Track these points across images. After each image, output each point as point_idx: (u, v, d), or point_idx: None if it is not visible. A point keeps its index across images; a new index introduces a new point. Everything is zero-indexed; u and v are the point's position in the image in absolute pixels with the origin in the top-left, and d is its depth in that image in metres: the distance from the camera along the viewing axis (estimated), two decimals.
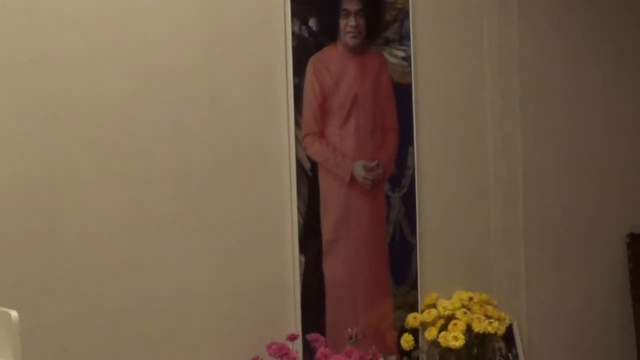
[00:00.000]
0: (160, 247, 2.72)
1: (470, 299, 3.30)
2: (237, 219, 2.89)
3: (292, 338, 2.90)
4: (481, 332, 3.18)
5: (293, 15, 2.98)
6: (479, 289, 3.40)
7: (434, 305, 3.29)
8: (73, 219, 2.55)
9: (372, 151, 3.21)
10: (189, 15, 2.79)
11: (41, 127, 2.49)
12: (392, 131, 3.26)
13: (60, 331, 2.52)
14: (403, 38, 3.29)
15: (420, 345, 3.28)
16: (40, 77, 2.49)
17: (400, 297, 3.29)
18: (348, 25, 3.14)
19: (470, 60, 3.53)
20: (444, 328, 3.20)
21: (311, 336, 2.94)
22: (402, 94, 3.29)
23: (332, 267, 3.11)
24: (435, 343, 3.20)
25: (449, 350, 3.17)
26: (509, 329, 3.43)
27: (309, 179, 3.04)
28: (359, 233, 3.18)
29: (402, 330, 3.27)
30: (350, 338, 3.03)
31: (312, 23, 3.04)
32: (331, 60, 3.10)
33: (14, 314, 1.97)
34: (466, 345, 3.16)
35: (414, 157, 3.31)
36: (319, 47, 3.06)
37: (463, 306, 3.26)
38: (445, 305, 3.25)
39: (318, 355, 2.87)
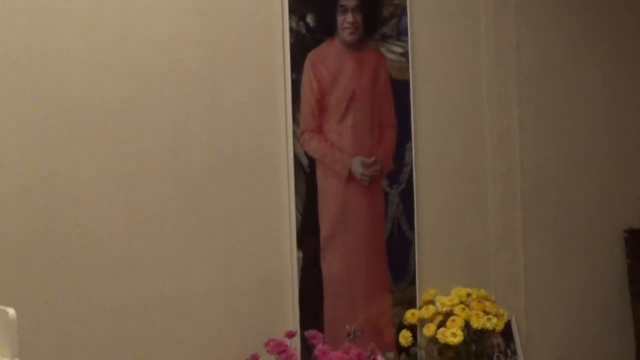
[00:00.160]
0: (158, 246, 2.72)
1: (469, 295, 3.29)
2: (235, 215, 2.88)
3: (290, 335, 2.89)
4: (479, 328, 3.17)
5: (290, 11, 2.98)
6: (477, 285, 3.40)
7: (432, 302, 3.29)
8: (72, 219, 2.54)
9: (370, 147, 3.21)
10: (187, 12, 2.78)
11: (40, 126, 2.49)
12: (390, 127, 3.26)
13: (59, 330, 2.51)
14: (401, 34, 3.28)
15: (418, 341, 3.28)
16: (40, 77, 2.49)
17: (399, 293, 3.29)
18: (345, 21, 3.14)
19: (468, 56, 3.53)
20: (442, 324, 3.20)
21: (309, 333, 2.94)
22: (400, 90, 3.28)
23: (330, 264, 3.10)
24: (433, 339, 3.20)
25: (447, 346, 3.17)
26: (508, 325, 3.44)
27: (306, 175, 3.04)
28: (357, 229, 3.18)
29: (401, 326, 3.26)
30: (349, 335, 3.03)
31: (309, 19, 3.03)
32: (329, 56, 3.09)
33: (11, 311, 1.97)
34: (464, 342, 3.16)
35: (412, 153, 3.31)
36: (316, 43, 3.06)
37: (461, 302, 3.25)
38: (444, 302, 3.25)
39: (316, 352, 2.87)
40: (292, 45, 2.98)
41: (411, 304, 3.31)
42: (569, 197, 3.83)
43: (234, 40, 2.88)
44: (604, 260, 3.98)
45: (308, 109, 3.04)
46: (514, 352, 3.53)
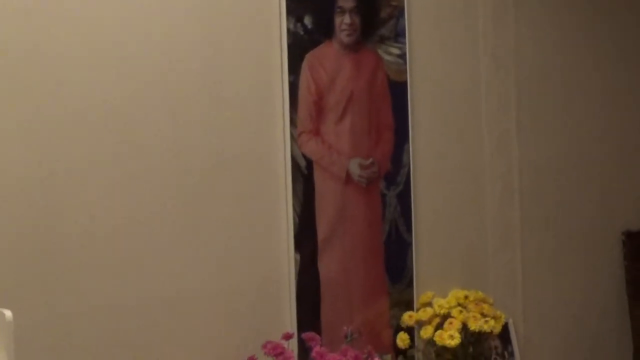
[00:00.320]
0: (156, 248, 2.71)
1: (466, 297, 3.29)
2: (233, 217, 2.88)
3: (288, 337, 2.89)
4: (477, 330, 3.17)
5: (288, 12, 2.97)
6: (475, 287, 3.39)
7: (429, 304, 3.28)
8: (71, 219, 2.54)
9: (367, 149, 3.20)
10: (186, 14, 2.78)
11: (39, 126, 2.48)
12: (388, 129, 3.26)
13: (56, 331, 2.51)
14: (398, 35, 3.28)
15: (416, 343, 3.28)
16: (39, 77, 2.48)
17: (396, 295, 3.28)
18: (343, 22, 3.13)
19: (466, 58, 3.52)
20: (439, 326, 3.19)
21: (306, 335, 2.93)
22: (398, 92, 3.28)
23: (328, 266, 3.10)
24: (431, 342, 3.19)
25: (444, 348, 3.16)
26: (505, 327, 3.43)
27: (304, 177, 3.03)
28: (355, 231, 3.17)
29: (398, 328, 3.26)
30: (346, 337, 3.02)
31: (307, 20, 3.03)
32: (326, 57, 3.09)
33: (8, 313, 1.96)
34: (462, 344, 3.15)
35: (409, 154, 3.31)
36: (314, 44, 3.05)
37: (459, 304, 3.25)
38: (441, 304, 3.24)
39: (313, 354, 2.86)
40: (289, 46, 2.98)
41: (409, 306, 3.30)
42: (567, 199, 3.83)
43: (232, 42, 2.88)
44: (602, 262, 3.98)
45: (305, 110, 3.03)
46: (512, 355, 3.53)
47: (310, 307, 3.05)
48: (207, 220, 2.82)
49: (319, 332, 3.00)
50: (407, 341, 3.22)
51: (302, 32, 3.02)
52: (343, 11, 3.13)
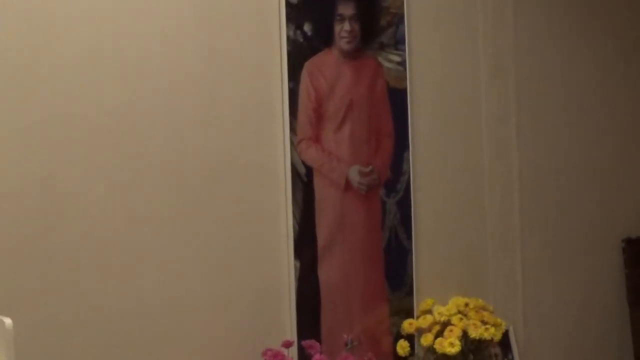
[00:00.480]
0: (155, 254, 2.71)
1: (466, 304, 3.29)
2: (232, 224, 2.88)
3: (288, 344, 2.88)
4: (477, 338, 3.17)
5: (288, 20, 2.98)
6: (475, 295, 3.39)
7: (429, 311, 3.28)
8: (69, 224, 2.54)
9: (367, 156, 3.20)
10: (185, 20, 2.78)
11: (37, 132, 2.48)
12: (388, 136, 3.25)
13: (55, 336, 2.50)
14: (398, 43, 3.28)
15: (416, 351, 3.27)
16: (38, 82, 2.49)
17: (396, 302, 3.28)
18: (343, 30, 3.13)
19: (466, 65, 3.52)
20: (440, 334, 3.19)
21: (306, 343, 2.93)
22: (398, 99, 3.28)
23: (328, 273, 3.09)
24: (431, 349, 3.19)
25: (445, 356, 3.16)
26: (505, 334, 3.43)
27: (304, 184, 3.03)
28: (355, 238, 3.17)
29: (398, 336, 3.25)
30: (346, 344, 3.02)
31: (307, 28, 3.03)
32: (326, 65, 3.09)
33: (8, 321, 1.96)
34: (462, 352, 3.15)
35: (409, 162, 3.30)
36: (314, 52, 3.05)
37: (459, 312, 3.25)
38: (441, 311, 3.24)
39: None
40: (289, 54, 2.98)
41: (409, 313, 3.30)
42: (567, 206, 3.83)
43: (231, 49, 2.88)
44: (602, 269, 3.97)
45: (305, 117, 3.03)
46: None
47: (310, 314, 3.04)
48: (207, 227, 2.82)
49: (318, 340, 3.00)
50: (407, 349, 3.21)
51: (301, 40, 3.02)
52: (343, 18, 3.13)
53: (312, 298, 3.05)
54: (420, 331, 3.24)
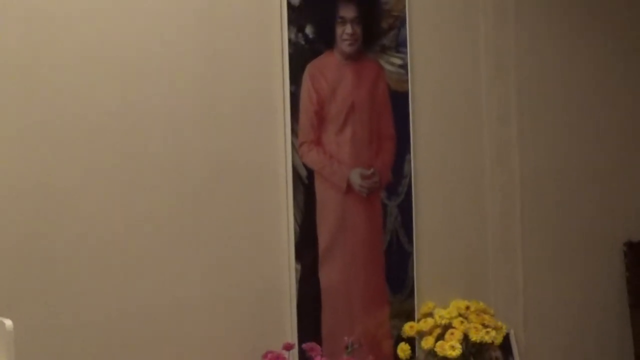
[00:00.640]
0: (156, 256, 2.71)
1: (467, 307, 3.28)
2: (234, 227, 2.88)
3: (289, 347, 2.88)
4: (478, 341, 3.17)
5: (289, 22, 2.98)
6: (476, 298, 3.39)
7: (430, 314, 3.28)
8: (68, 225, 2.53)
9: (368, 159, 3.20)
10: (186, 23, 2.78)
11: (36, 129, 2.48)
12: (389, 139, 3.25)
13: (55, 339, 2.50)
14: (400, 45, 3.28)
15: (417, 354, 3.27)
16: (37, 83, 2.48)
17: (397, 305, 3.27)
18: (344, 32, 3.13)
19: (467, 68, 3.52)
20: (440, 337, 3.19)
21: (307, 345, 2.93)
22: (399, 102, 3.28)
23: (329, 275, 3.09)
24: (432, 352, 3.19)
25: (446, 359, 3.15)
26: (506, 337, 3.43)
27: (305, 186, 3.03)
28: (356, 241, 3.17)
29: (399, 339, 3.25)
30: (347, 347, 3.02)
31: (308, 30, 3.03)
32: (328, 67, 3.09)
33: (8, 322, 1.96)
34: (463, 355, 3.15)
35: (410, 165, 3.30)
36: (315, 54, 3.05)
37: (460, 315, 3.25)
38: (442, 314, 3.24)
39: None
40: (291, 56, 2.98)
41: (409, 316, 3.29)
42: (568, 209, 3.82)
43: (233, 51, 2.88)
44: (603, 273, 3.97)
45: (307, 120, 3.03)
46: None
47: (311, 317, 3.04)
48: (208, 230, 2.82)
49: (319, 343, 3.00)
50: (408, 352, 3.21)
51: (303, 42, 3.02)
52: (344, 21, 3.13)
53: (312, 300, 3.05)
54: (421, 334, 3.24)
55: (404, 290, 3.29)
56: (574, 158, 3.85)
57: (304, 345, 2.94)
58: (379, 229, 3.24)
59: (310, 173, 3.04)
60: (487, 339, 3.17)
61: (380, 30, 3.24)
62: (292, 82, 2.98)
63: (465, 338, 3.17)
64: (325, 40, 3.09)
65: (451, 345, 3.12)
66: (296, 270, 3.00)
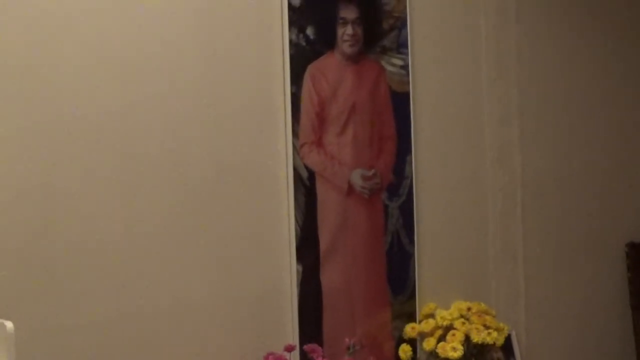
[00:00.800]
0: (156, 257, 2.71)
1: (469, 309, 3.28)
2: (234, 228, 2.87)
3: (290, 349, 2.88)
4: (480, 342, 3.16)
5: (290, 23, 2.97)
6: (478, 299, 3.38)
7: (432, 315, 3.27)
8: (68, 226, 2.53)
9: (369, 160, 3.20)
10: (187, 23, 2.78)
11: (36, 130, 2.48)
12: (390, 140, 3.25)
13: (56, 340, 2.49)
14: (401, 46, 3.28)
15: (418, 355, 3.26)
16: (38, 84, 2.48)
17: (398, 306, 3.27)
18: (345, 33, 3.13)
19: (469, 69, 3.52)
20: (442, 338, 3.18)
21: (308, 347, 2.93)
22: (400, 103, 3.27)
23: (330, 277, 3.09)
24: (433, 353, 3.18)
25: None
26: (508, 339, 3.42)
27: (306, 188, 3.03)
28: (357, 242, 3.17)
29: (400, 340, 3.25)
30: (348, 348, 3.01)
31: (309, 31, 3.03)
32: (329, 68, 3.09)
33: (9, 324, 1.96)
34: (465, 356, 3.14)
35: (412, 166, 3.30)
36: (316, 55, 3.05)
37: (461, 316, 3.24)
38: (444, 316, 3.23)
39: None
40: (292, 57, 2.98)
41: (411, 317, 3.29)
42: (569, 210, 3.82)
43: (233, 52, 2.88)
44: (604, 274, 3.97)
45: (308, 121, 3.03)
46: None
47: (312, 318, 3.04)
48: (209, 231, 2.82)
49: (320, 344, 2.99)
50: (410, 353, 3.21)
51: (304, 43, 3.02)
52: (345, 22, 3.13)
53: (314, 302, 3.04)
54: (423, 335, 3.24)
55: (405, 291, 3.29)
56: (576, 159, 3.85)
57: (305, 347, 2.93)
58: (380, 230, 3.23)
59: (311, 174, 3.04)
60: (489, 340, 3.16)
61: (381, 31, 3.23)
62: (293, 83, 2.98)
63: (467, 339, 3.17)
64: (326, 41, 3.08)
65: (453, 347, 3.12)
66: (297, 271, 3.00)
